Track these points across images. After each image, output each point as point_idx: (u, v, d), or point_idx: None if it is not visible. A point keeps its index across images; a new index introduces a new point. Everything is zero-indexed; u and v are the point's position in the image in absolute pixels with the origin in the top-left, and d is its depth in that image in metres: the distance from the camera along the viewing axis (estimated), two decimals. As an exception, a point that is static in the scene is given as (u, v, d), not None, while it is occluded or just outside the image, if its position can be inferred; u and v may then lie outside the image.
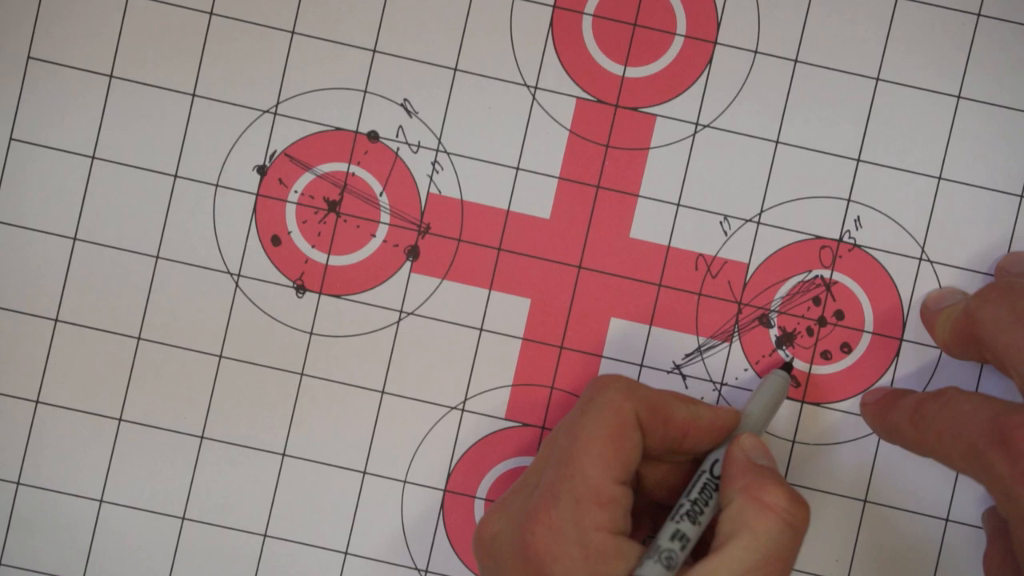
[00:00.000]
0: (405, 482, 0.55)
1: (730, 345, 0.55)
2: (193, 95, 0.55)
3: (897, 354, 0.54)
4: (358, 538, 0.55)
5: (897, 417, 0.51)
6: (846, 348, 0.54)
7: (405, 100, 0.55)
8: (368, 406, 0.55)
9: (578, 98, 0.55)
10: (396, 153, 0.55)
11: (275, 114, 0.55)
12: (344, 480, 0.55)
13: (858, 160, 0.54)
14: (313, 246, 0.55)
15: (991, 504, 0.53)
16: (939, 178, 0.54)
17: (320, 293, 0.55)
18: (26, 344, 0.55)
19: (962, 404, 0.48)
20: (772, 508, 0.47)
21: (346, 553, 0.55)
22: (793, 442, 0.54)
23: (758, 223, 0.55)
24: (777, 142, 0.54)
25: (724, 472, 0.48)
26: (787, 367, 0.54)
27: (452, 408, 0.55)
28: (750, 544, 0.46)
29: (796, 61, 0.54)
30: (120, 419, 0.55)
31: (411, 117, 0.55)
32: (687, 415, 0.49)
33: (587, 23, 0.55)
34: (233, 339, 0.55)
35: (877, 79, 0.54)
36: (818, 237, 0.55)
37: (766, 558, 0.46)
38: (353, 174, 0.55)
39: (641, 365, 0.54)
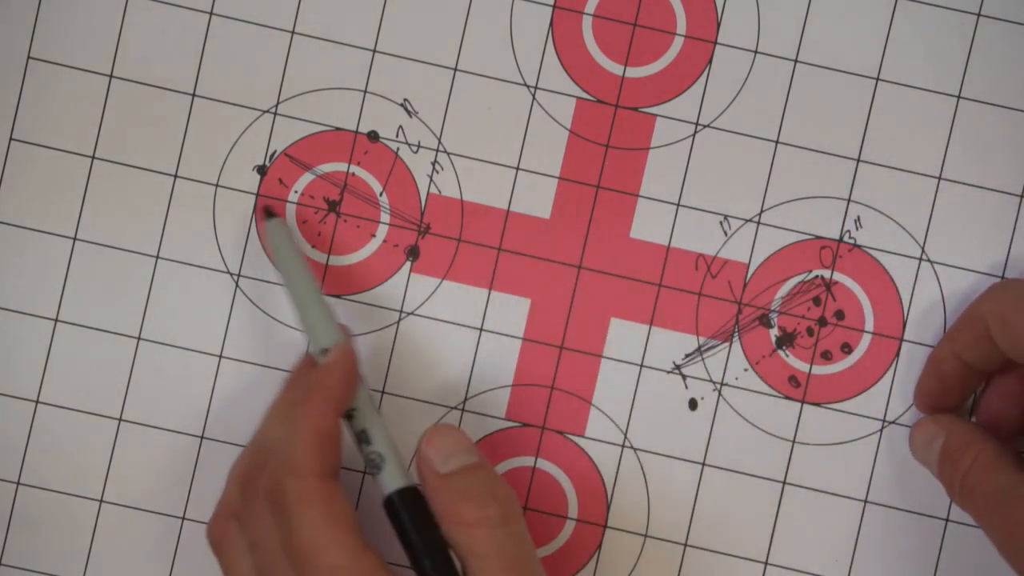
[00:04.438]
0: (405, 482, 0.55)
1: (730, 345, 0.55)
2: (193, 95, 0.55)
3: (897, 354, 0.54)
4: (358, 538, 0.55)
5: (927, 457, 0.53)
6: (846, 348, 0.54)
7: (405, 100, 0.55)
8: (368, 406, 0.55)
9: (578, 98, 0.55)
10: (396, 153, 0.55)
11: (275, 114, 0.55)
12: (344, 480, 0.55)
13: (858, 160, 0.54)
14: (313, 246, 0.55)
15: None
16: (939, 178, 0.54)
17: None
18: (26, 344, 0.55)
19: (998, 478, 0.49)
20: (477, 524, 0.46)
21: (346, 553, 0.55)
22: (793, 442, 0.54)
23: (758, 223, 0.54)
24: (777, 142, 0.54)
25: (424, 491, 0.48)
26: (268, 213, 0.53)
27: (452, 408, 0.55)
28: (485, 568, 0.46)
29: (796, 61, 0.54)
30: (120, 419, 0.55)
31: (411, 117, 0.55)
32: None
33: (587, 23, 0.54)
34: (233, 339, 0.55)
35: (877, 79, 0.54)
36: (818, 237, 0.55)
37: (508, 567, 0.46)
38: (353, 174, 0.55)
39: (641, 365, 0.54)
